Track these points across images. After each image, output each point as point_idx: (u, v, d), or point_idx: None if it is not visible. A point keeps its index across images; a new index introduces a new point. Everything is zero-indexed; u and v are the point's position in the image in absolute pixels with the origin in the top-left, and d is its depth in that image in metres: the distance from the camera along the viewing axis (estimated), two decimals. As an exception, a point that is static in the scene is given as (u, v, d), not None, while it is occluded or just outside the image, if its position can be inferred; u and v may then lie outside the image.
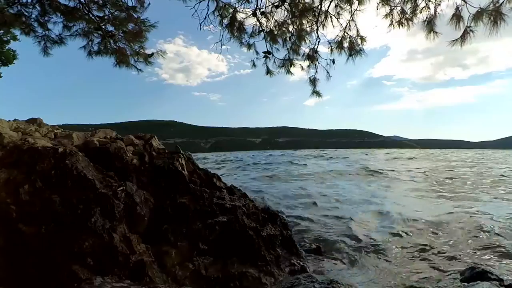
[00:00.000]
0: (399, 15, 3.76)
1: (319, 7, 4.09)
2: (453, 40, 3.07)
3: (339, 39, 4.25)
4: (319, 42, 4.46)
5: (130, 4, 4.19)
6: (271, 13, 4.36)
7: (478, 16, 2.83)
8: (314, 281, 2.65)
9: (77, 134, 4.02)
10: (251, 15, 4.33)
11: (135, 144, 4.13)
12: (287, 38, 4.58)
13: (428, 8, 3.40)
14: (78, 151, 3.31)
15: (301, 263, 3.39)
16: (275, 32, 4.53)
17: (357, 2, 3.92)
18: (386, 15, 3.84)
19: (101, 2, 4.17)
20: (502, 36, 2.70)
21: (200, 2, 4.10)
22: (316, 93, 4.72)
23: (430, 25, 3.35)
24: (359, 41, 4.22)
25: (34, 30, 4.39)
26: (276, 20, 4.43)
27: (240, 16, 4.41)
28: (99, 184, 3.02)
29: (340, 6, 4.03)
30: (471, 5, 2.86)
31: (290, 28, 4.51)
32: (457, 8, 3.01)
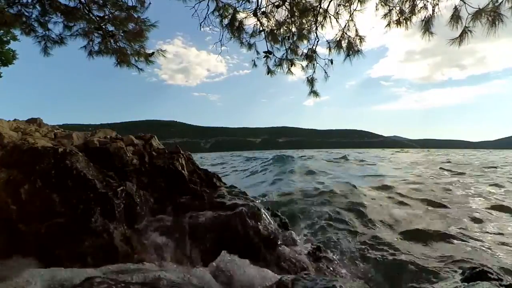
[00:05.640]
0: (397, 15, 3.78)
1: (319, 7, 4.11)
2: (452, 39, 3.08)
3: (338, 39, 4.26)
4: (317, 42, 4.48)
5: (130, 4, 4.20)
6: (272, 13, 4.38)
7: (476, 16, 2.84)
8: (314, 281, 2.65)
9: (77, 134, 4.02)
10: (252, 15, 4.34)
11: (135, 144, 4.13)
12: (287, 38, 4.60)
13: (426, 8, 3.42)
14: (78, 151, 3.31)
15: (302, 263, 3.39)
16: (276, 32, 4.54)
17: (357, 1, 3.93)
18: (384, 15, 3.86)
19: (101, 2, 4.18)
20: (499, 36, 2.71)
21: (200, 2, 4.11)
22: (314, 92, 4.75)
23: (428, 25, 3.37)
24: (357, 41, 4.23)
25: (34, 30, 4.40)
26: (277, 20, 4.44)
27: (240, 16, 4.43)
28: (99, 184, 3.02)
29: (342, 5, 4.04)
30: (469, 5, 2.87)
31: (291, 27, 4.52)
32: (456, 8, 3.02)
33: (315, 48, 4.56)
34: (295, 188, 9.33)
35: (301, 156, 23.11)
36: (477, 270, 3.15)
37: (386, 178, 11.58)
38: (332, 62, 4.48)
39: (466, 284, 2.93)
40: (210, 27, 4.35)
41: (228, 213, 3.46)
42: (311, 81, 4.71)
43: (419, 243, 4.58)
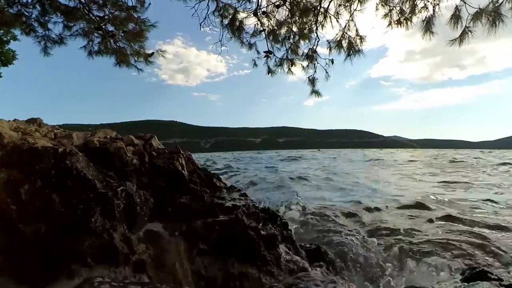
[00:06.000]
0: (398, 15, 3.78)
1: (319, 6, 4.10)
2: (452, 40, 3.08)
3: (338, 38, 4.26)
4: (318, 42, 4.48)
5: (130, 4, 4.20)
6: (272, 13, 4.37)
7: (477, 16, 2.84)
8: (314, 281, 2.65)
9: (77, 134, 4.02)
10: (252, 15, 4.34)
11: (135, 144, 4.13)
12: (288, 38, 4.60)
13: (427, 8, 3.42)
14: (78, 151, 3.31)
15: (302, 263, 3.39)
16: (276, 32, 4.54)
17: (357, 1, 3.93)
18: (385, 15, 3.86)
19: (101, 2, 4.18)
20: (499, 36, 2.71)
21: (200, 2, 4.10)
22: (315, 92, 4.75)
23: (429, 25, 3.36)
24: (358, 41, 4.23)
25: (34, 30, 4.40)
26: (277, 20, 4.44)
27: (240, 15, 4.43)
28: (99, 184, 3.02)
29: (342, 5, 4.03)
30: (470, 6, 2.87)
31: (291, 27, 4.52)
32: (456, 8, 3.02)
33: (316, 48, 4.56)
34: (295, 190, 9.33)
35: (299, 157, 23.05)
36: (477, 270, 3.16)
37: (392, 182, 11.59)
38: (332, 62, 4.49)
39: (466, 284, 2.93)
40: (210, 27, 4.35)
41: (228, 214, 3.46)
42: (312, 81, 4.71)
43: (419, 244, 4.57)
